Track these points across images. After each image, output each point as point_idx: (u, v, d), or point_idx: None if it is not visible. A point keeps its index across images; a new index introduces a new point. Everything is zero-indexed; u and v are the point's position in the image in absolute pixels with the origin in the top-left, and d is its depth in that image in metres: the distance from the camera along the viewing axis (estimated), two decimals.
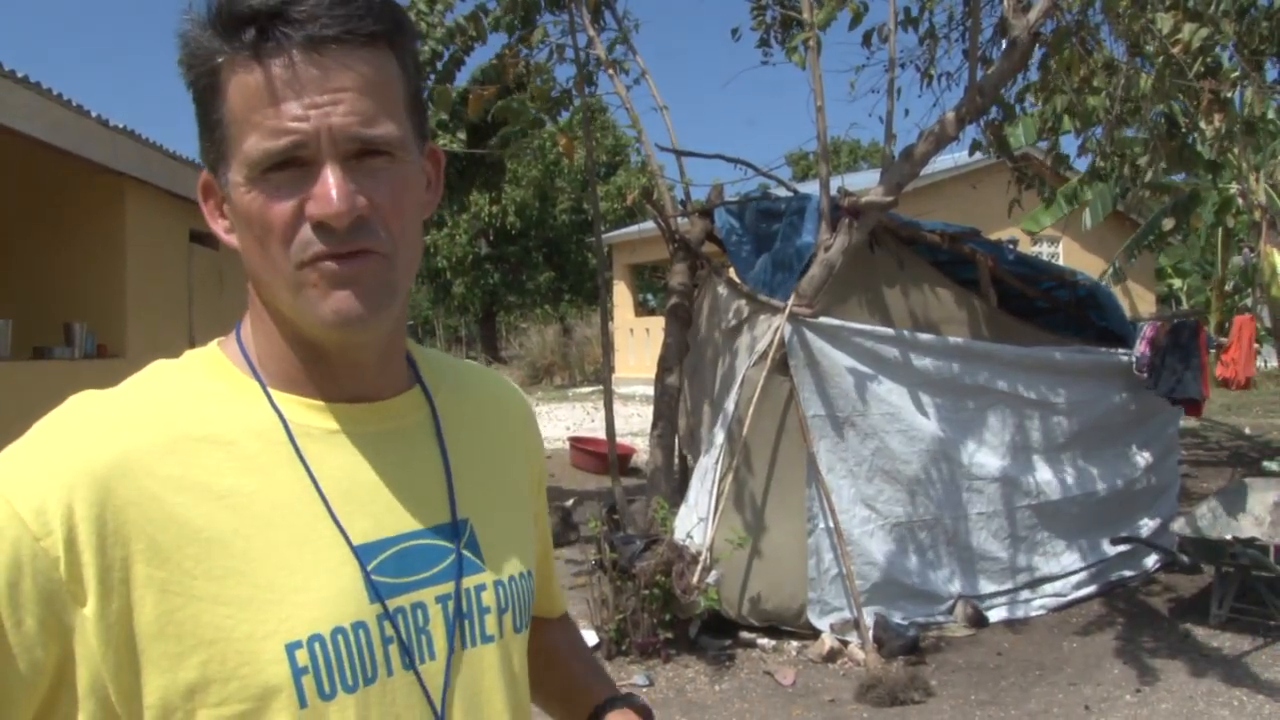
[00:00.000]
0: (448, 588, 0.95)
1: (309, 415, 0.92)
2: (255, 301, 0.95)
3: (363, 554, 0.90)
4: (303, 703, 0.84)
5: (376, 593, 0.90)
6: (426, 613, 0.93)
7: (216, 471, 0.86)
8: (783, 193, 7.06)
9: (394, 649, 0.90)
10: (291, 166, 0.85)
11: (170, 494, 0.83)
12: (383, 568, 0.91)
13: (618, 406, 8.10)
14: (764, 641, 5.91)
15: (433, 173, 0.99)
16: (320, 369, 0.94)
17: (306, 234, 0.85)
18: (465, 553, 0.98)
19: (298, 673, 0.84)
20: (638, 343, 23.20)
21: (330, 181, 0.84)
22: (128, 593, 0.80)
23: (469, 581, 0.97)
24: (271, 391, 0.92)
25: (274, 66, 0.84)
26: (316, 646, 0.85)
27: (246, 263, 0.91)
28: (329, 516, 0.89)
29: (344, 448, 0.93)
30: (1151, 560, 7.23)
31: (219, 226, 0.94)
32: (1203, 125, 6.51)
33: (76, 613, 0.79)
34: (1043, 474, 6.72)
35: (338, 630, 0.86)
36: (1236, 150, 9.00)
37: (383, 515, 0.93)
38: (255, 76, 0.84)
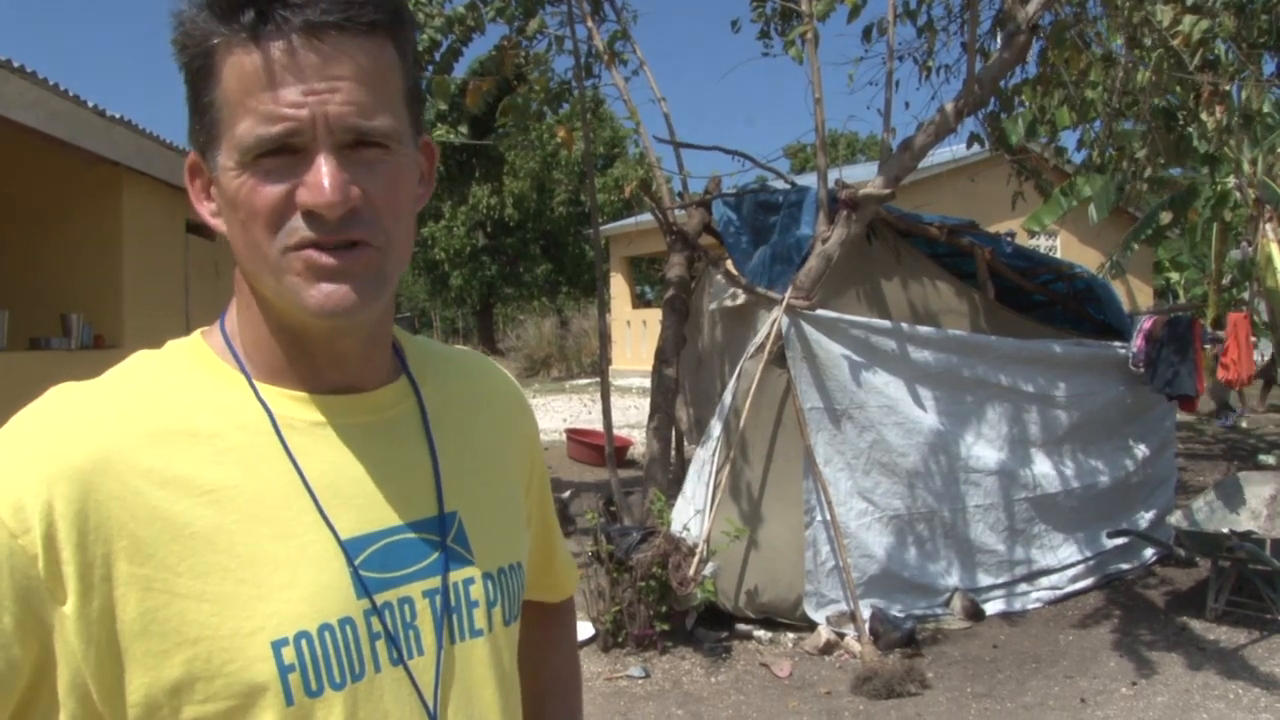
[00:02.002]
0: (435, 582, 0.94)
1: (293, 407, 0.91)
2: (243, 289, 0.93)
3: (350, 548, 0.89)
4: (289, 700, 0.83)
5: (364, 588, 0.88)
6: (414, 608, 0.92)
7: (200, 465, 0.85)
8: (781, 185, 7.05)
9: (381, 645, 0.89)
10: (284, 153, 0.83)
11: (153, 489, 0.82)
12: (369, 562, 0.90)
13: (615, 399, 8.11)
14: (760, 633, 5.92)
15: (425, 166, 0.97)
16: (305, 358, 0.92)
17: (295, 221, 0.84)
18: (453, 546, 0.97)
19: (284, 670, 0.83)
20: (634, 335, 23.20)
21: (324, 171, 0.83)
22: (109, 590, 0.79)
23: (457, 575, 0.96)
24: (256, 383, 0.91)
25: (272, 50, 0.82)
26: (303, 644, 0.84)
27: (234, 249, 0.89)
28: (315, 510, 0.88)
29: (329, 440, 0.92)
30: (1148, 553, 7.24)
31: (205, 209, 0.92)
32: (1203, 118, 6.52)
33: (56, 611, 0.78)
34: (1040, 467, 6.73)
35: (324, 627, 0.85)
36: (1234, 143, 9.01)
37: (369, 509, 0.92)
38: (252, 59, 0.82)
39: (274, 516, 0.86)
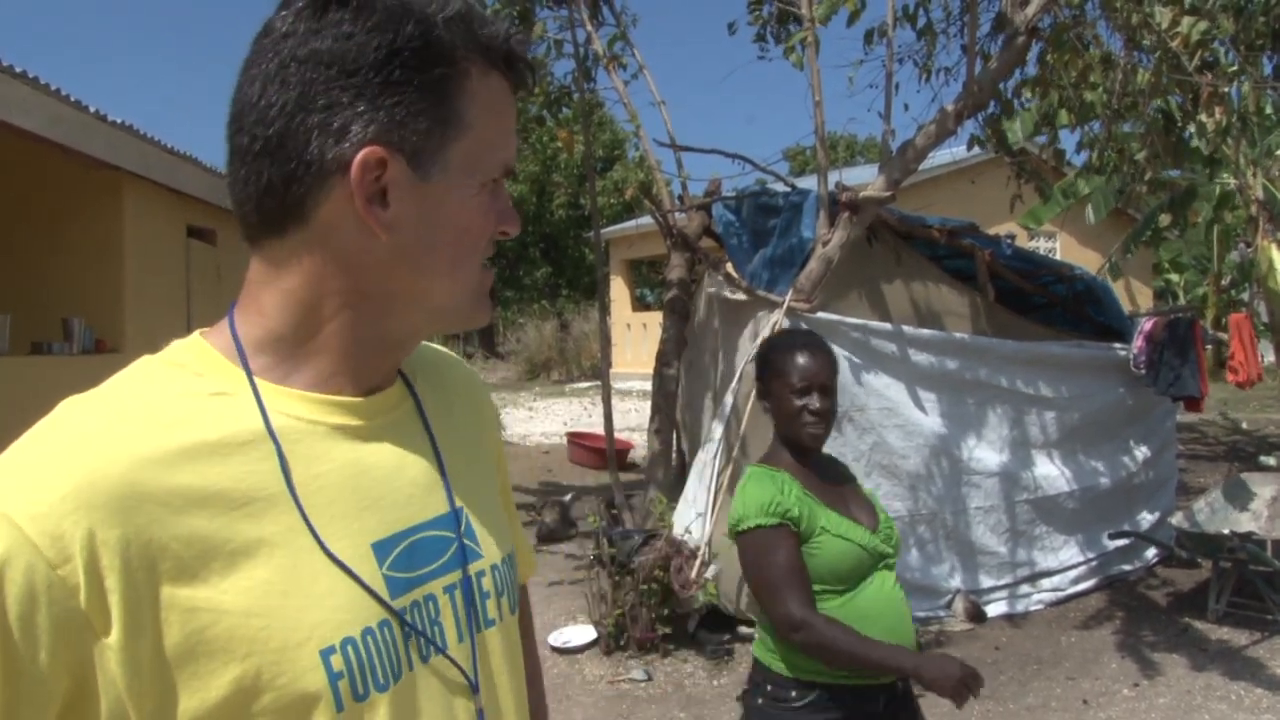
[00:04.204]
0: (453, 577, 0.96)
1: (321, 411, 0.91)
2: (326, 299, 0.91)
3: (378, 551, 0.90)
4: (339, 707, 0.83)
5: (395, 589, 0.90)
6: (436, 604, 0.94)
7: (234, 479, 0.83)
8: (780, 188, 7.06)
9: (413, 644, 0.90)
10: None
11: (191, 507, 0.80)
12: (396, 563, 0.91)
13: (615, 401, 8.12)
14: None
15: None
16: (369, 364, 0.96)
17: (488, 243, 0.96)
18: (465, 541, 0.99)
19: (333, 678, 0.83)
20: (634, 338, 23.20)
21: (510, 204, 0.97)
22: (155, 615, 0.77)
23: (471, 569, 0.99)
24: (277, 388, 0.90)
25: (513, 93, 0.96)
26: (349, 649, 0.84)
27: (402, 259, 0.91)
28: (345, 515, 0.89)
29: (351, 443, 0.92)
30: (1150, 554, 7.24)
31: (376, 215, 0.88)
32: (1203, 119, 6.52)
33: (96, 643, 0.76)
34: (1041, 469, 6.73)
35: (367, 631, 0.86)
36: (1233, 145, 9.01)
37: (391, 510, 0.93)
38: (508, 95, 0.95)
39: (308, 525, 0.86)
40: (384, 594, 0.88)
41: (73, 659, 0.75)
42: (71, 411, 0.84)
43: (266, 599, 0.82)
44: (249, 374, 0.90)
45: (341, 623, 0.85)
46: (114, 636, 0.76)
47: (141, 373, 0.89)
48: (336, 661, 0.83)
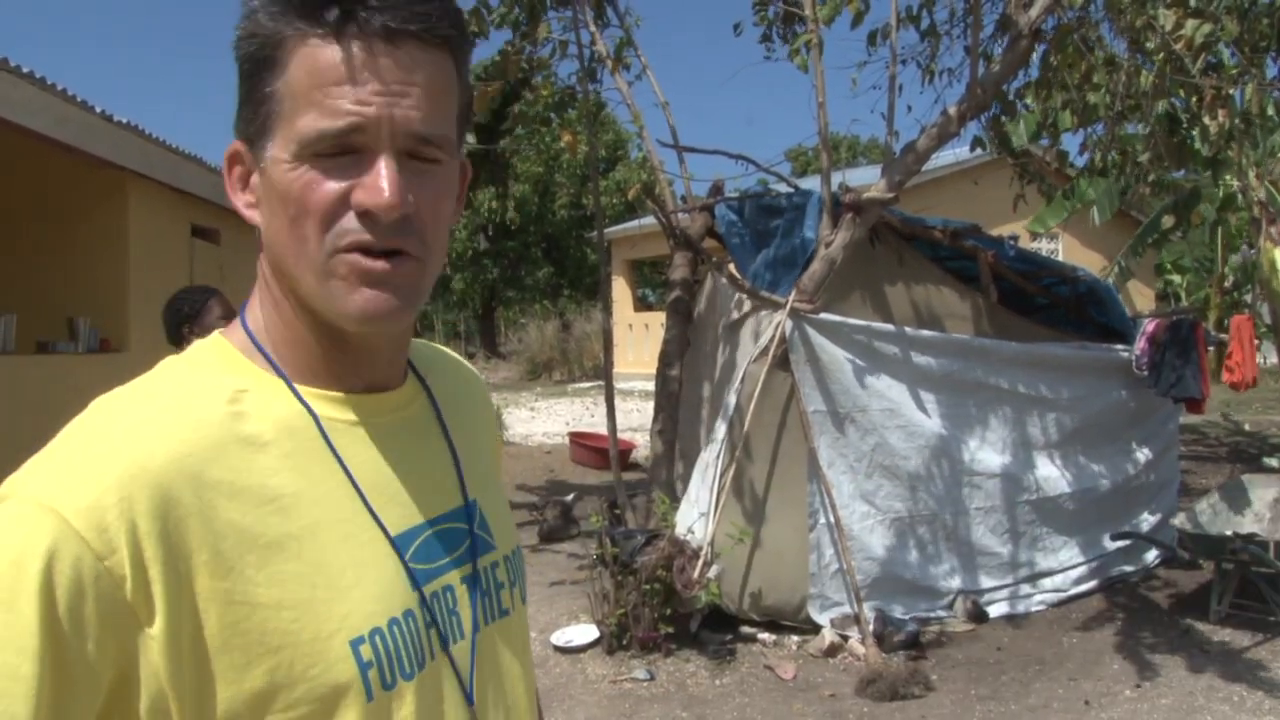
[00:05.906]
0: (469, 568, 1.00)
1: (332, 408, 0.93)
2: (272, 287, 0.93)
3: (399, 543, 0.92)
4: (369, 696, 0.85)
5: (416, 580, 0.92)
6: (454, 594, 0.97)
7: (263, 474, 0.85)
8: (783, 188, 7.06)
9: (434, 633, 0.93)
10: (343, 153, 0.84)
11: (225, 500, 0.82)
12: (416, 555, 0.94)
13: (617, 402, 8.13)
14: (764, 636, 5.93)
15: (460, 186, 0.98)
16: (339, 358, 0.94)
17: (348, 221, 0.85)
18: (479, 533, 1.02)
19: (363, 667, 0.85)
20: (636, 338, 23.22)
21: (384, 172, 0.84)
22: (194, 607, 0.79)
23: (485, 560, 1.02)
24: (299, 386, 0.92)
25: (351, 48, 0.83)
26: (378, 639, 0.87)
27: (270, 244, 0.90)
28: (367, 510, 0.91)
29: (367, 440, 0.94)
30: (1151, 556, 7.24)
31: (241, 200, 0.92)
32: (1206, 121, 6.53)
33: (140, 633, 0.77)
34: (1043, 470, 6.74)
35: (393, 621, 0.88)
36: (1236, 147, 9.01)
37: (410, 504, 0.95)
38: (326, 55, 0.83)
39: (333, 519, 0.88)
40: (407, 585, 0.91)
41: (118, 650, 0.76)
42: (107, 408, 0.85)
43: (297, 592, 0.84)
44: (279, 372, 0.92)
45: (369, 614, 0.87)
46: (157, 627, 0.77)
47: (169, 372, 0.91)
48: (365, 652, 0.86)
